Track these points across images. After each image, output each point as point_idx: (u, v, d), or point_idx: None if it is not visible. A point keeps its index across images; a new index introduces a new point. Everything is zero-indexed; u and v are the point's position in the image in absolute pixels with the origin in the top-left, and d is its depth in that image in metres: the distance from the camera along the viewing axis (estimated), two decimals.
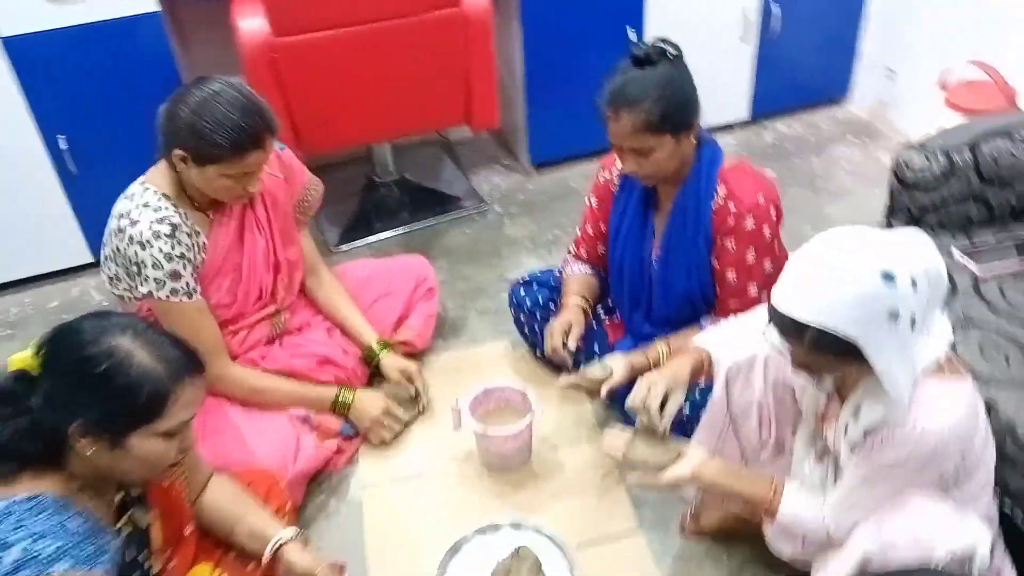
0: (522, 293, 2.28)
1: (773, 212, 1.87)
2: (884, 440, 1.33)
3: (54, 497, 1.13)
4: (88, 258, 2.76)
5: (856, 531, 1.40)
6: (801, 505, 1.50)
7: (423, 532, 1.91)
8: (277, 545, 1.50)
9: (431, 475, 2.05)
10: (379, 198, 3.12)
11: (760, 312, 1.72)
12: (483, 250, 2.85)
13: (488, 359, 2.39)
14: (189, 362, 1.21)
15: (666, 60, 1.75)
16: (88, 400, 1.13)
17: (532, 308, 2.25)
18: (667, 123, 1.74)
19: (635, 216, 2.01)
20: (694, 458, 1.56)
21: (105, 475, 1.21)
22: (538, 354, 2.33)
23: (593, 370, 1.92)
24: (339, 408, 2.08)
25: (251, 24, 2.42)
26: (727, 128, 3.42)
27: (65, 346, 1.16)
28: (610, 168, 2.07)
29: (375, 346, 2.18)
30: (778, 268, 1.90)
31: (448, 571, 1.81)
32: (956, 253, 1.92)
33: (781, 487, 1.52)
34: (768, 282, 1.92)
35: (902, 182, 1.99)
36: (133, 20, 2.45)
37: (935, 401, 1.30)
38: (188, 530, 1.41)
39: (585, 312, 2.10)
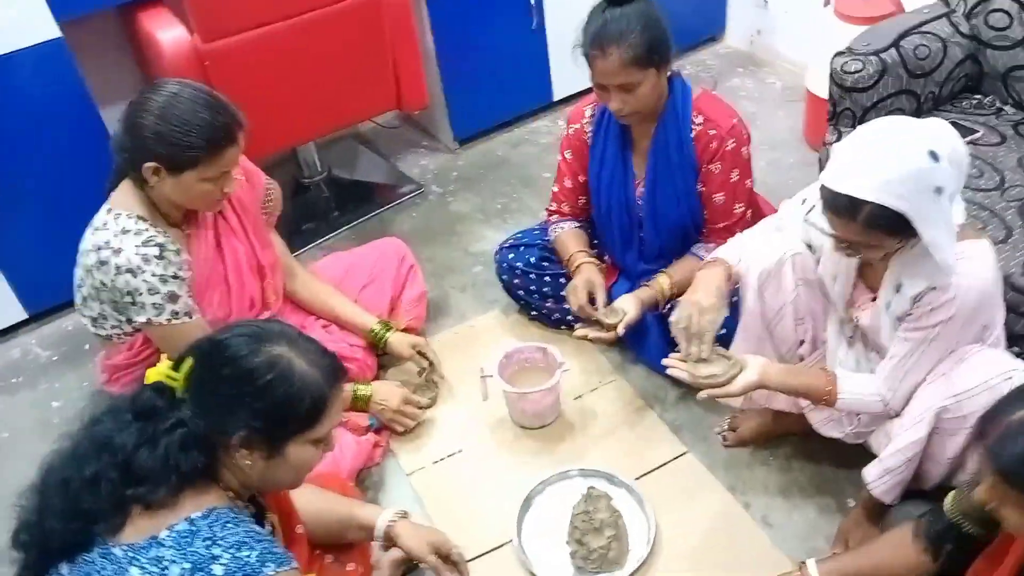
0: (511, 256, 2.31)
1: (745, 133, 2.00)
2: (932, 304, 1.48)
3: (227, 508, 1.09)
4: (22, 315, 2.54)
5: (920, 393, 1.55)
6: (858, 385, 1.63)
7: (486, 499, 1.93)
8: (386, 525, 1.53)
9: (470, 448, 2.07)
10: (312, 199, 3.04)
11: (764, 223, 1.85)
12: (437, 230, 2.85)
13: (484, 330, 2.41)
14: (337, 368, 1.20)
15: None
16: (251, 411, 1.10)
17: (525, 269, 2.29)
18: (653, 56, 1.83)
19: (615, 160, 2.08)
20: (756, 365, 1.66)
21: (254, 485, 1.17)
22: (531, 315, 2.38)
23: (607, 314, 1.99)
24: (359, 404, 2.05)
25: (171, 35, 2.30)
26: None
27: (221, 359, 1.12)
28: (579, 119, 2.13)
29: (377, 328, 2.15)
30: (752, 185, 2.05)
31: (525, 525, 1.84)
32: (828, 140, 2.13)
33: (834, 375, 1.65)
34: (750, 199, 2.06)
35: (842, 87, 2.17)
36: (36, 50, 2.26)
37: (968, 261, 1.46)
38: (300, 529, 1.38)
39: (599, 267, 2.16)
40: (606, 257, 2.27)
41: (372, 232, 2.85)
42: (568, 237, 2.21)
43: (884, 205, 1.34)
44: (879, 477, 1.61)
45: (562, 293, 2.24)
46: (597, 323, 1.99)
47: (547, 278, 2.29)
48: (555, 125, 3.33)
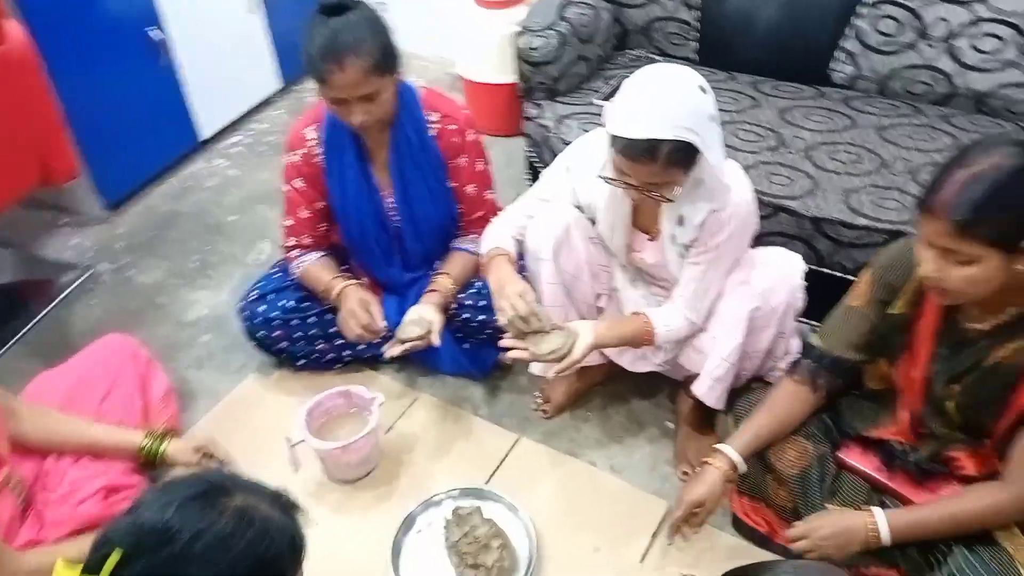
0: (262, 309, 2.08)
1: (474, 120, 2.03)
2: (715, 224, 1.67)
3: None
4: None
5: (727, 304, 1.73)
6: (666, 317, 1.78)
7: (351, 569, 1.73)
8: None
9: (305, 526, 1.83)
10: None
11: (522, 202, 1.90)
12: (133, 310, 2.44)
13: (252, 400, 2.14)
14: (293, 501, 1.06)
15: (353, 4, 1.75)
16: None
17: (284, 316, 2.08)
18: (389, 61, 1.77)
19: (357, 176, 1.98)
20: (586, 328, 1.72)
21: None
22: (298, 364, 2.17)
23: (409, 330, 1.90)
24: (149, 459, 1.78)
25: None
26: (268, 104, 3.37)
27: (175, 538, 0.91)
28: (302, 144, 1.98)
29: (147, 442, 1.79)
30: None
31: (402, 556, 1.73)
32: (599, 104, 2.33)
33: (647, 317, 1.78)
34: (492, 184, 2.11)
35: (531, 63, 2.31)
36: None
37: (733, 179, 1.67)
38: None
39: (363, 285, 2.04)
40: (363, 278, 2.16)
41: (51, 339, 2.35)
42: (317, 269, 2.05)
43: (680, 139, 1.47)
44: (709, 388, 1.78)
45: (332, 330, 2.09)
46: (405, 337, 1.89)
47: (312, 319, 2.10)
48: (211, 165, 3.05)
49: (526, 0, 2.87)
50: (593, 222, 1.84)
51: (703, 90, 1.51)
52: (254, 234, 2.72)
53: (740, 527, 1.80)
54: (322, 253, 2.09)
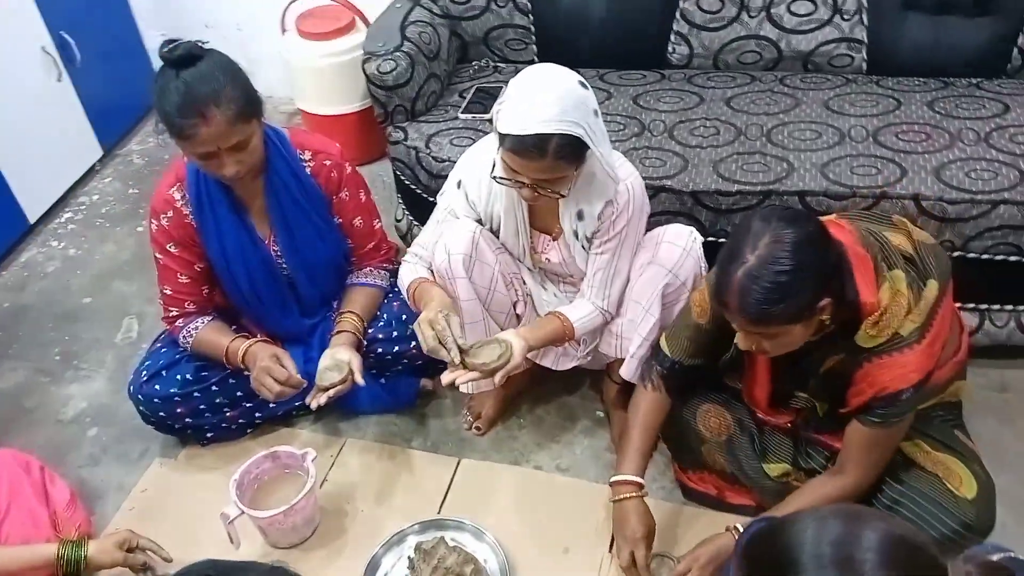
0: (157, 388, 1.93)
1: (343, 152, 1.99)
2: (612, 214, 1.72)
3: None
4: None
5: (637, 287, 1.79)
6: (580, 311, 1.81)
7: None
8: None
9: None
10: None
11: (423, 234, 1.88)
12: (2, 420, 2.19)
13: (165, 487, 1.98)
14: None
15: (202, 52, 1.66)
16: None
17: (183, 392, 1.94)
18: (253, 106, 1.70)
19: (235, 229, 1.88)
20: (514, 335, 1.73)
21: None
22: (206, 438, 2.04)
23: (329, 376, 1.83)
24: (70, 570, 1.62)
25: None
26: (92, 174, 3.12)
27: None
28: (169, 205, 1.86)
29: (65, 550, 1.63)
30: None
31: None
32: (464, 118, 2.35)
33: (562, 315, 1.80)
34: (377, 213, 2.06)
35: (385, 87, 2.28)
36: None
37: (622, 168, 1.73)
38: None
39: (267, 341, 1.95)
40: (258, 335, 2.04)
41: None
42: (210, 333, 1.93)
43: (566, 133, 1.51)
44: (635, 369, 1.83)
45: (238, 395, 1.99)
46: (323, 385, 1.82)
47: (214, 387, 1.97)
48: (47, 249, 2.80)
49: (351, 29, 2.84)
50: (496, 232, 1.84)
51: (584, 86, 1.56)
52: (116, 313, 2.52)
53: (690, 495, 1.87)
54: (210, 317, 1.97)
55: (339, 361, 1.84)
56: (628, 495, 1.63)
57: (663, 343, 1.70)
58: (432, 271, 1.83)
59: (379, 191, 2.73)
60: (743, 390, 1.70)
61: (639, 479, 1.65)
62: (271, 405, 2.03)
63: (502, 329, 1.90)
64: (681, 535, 1.78)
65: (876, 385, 1.40)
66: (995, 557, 0.96)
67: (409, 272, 1.83)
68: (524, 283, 1.91)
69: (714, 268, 1.40)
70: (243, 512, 1.72)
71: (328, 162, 1.90)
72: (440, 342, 1.64)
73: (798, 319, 1.32)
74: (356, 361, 1.85)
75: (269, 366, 1.81)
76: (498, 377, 1.69)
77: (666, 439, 1.80)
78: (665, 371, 1.69)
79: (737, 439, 1.72)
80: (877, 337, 1.38)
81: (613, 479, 1.66)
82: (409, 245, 2.36)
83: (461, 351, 1.65)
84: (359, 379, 1.83)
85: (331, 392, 1.82)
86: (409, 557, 1.72)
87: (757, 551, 0.96)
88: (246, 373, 1.91)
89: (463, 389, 1.96)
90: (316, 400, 1.82)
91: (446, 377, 1.69)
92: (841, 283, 1.36)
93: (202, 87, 1.61)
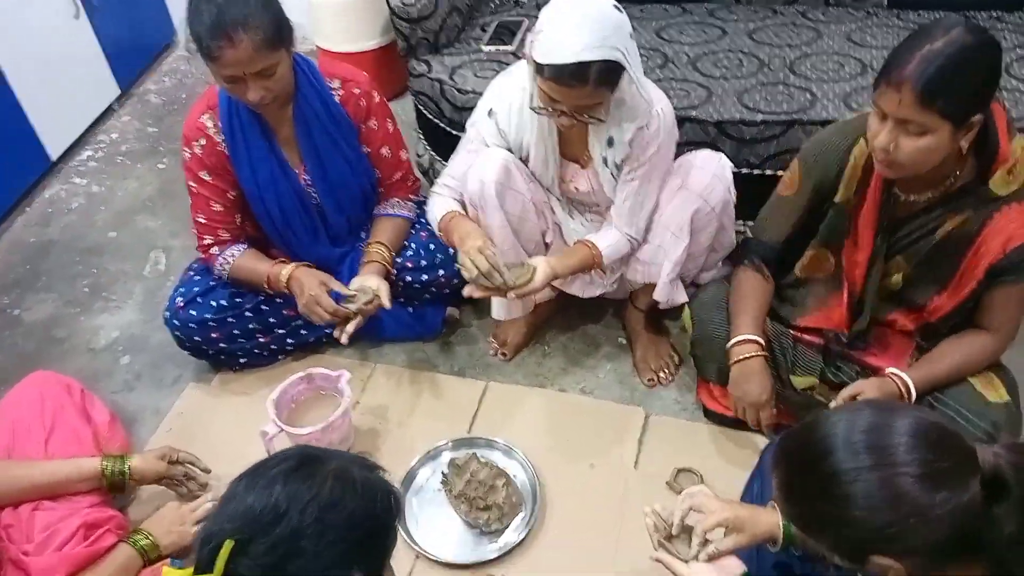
0: (193, 313, 1.97)
1: (372, 81, 2.00)
2: (643, 139, 1.74)
3: None
4: None
5: (667, 213, 1.82)
6: (608, 239, 1.85)
7: None
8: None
9: None
10: None
11: (452, 163, 1.91)
12: (32, 352, 2.22)
13: (201, 409, 2.04)
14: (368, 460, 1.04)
15: None
16: (357, 553, 0.93)
17: (218, 317, 1.98)
18: (282, 34, 1.71)
19: (266, 156, 1.90)
20: (541, 262, 1.77)
21: None
22: (239, 363, 2.09)
23: (357, 298, 1.88)
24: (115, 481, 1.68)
25: None
26: (110, 113, 3.13)
27: (283, 518, 0.89)
28: (201, 132, 1.88)
29: (109, 464, 1.67)
30: None
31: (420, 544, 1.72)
32: (487, 50, 2.35)
33: (591, 243, 1.84)
34: (404, 144, 2.09)
35: (410, 20, 2.29)
36: None
37: (652, 93, 1.75)
38: None
39: (308, 265, 1.98)
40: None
41: None
42: (249, 261, 1.97)
43: (608, 59, 1.53)
44: (667, 293, 1.87)
45: (272, 321, 2.03)
46: (345, 319, 1.87)
47: (248, 313, 2.02)
48: (70, 186, 2.82)
49: None
50: (525, 161, 1.87)
51: (618, 9, 1.57)
52: (142, 246, 2.55)
53: (711, 416, 1.92)
54: (245, 245, 2.00)
55: (365, 287, 1.89)
56: (751, 354, 1.65)
57: (755, 233, 1.74)
58: (462, 203, 1.86)
59: (402, 126, 2.74)
60: (844, 256, 1.66)
61: (760, 339, 1.66)
62: (303, 332, 2.08)
63: (531, 256, 1.93)
64: (704, 453, 1.84)
65: (1005, 235, 1.43)
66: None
67: (440, 204, 1.86)
68: (553, 212, 1.94)
69: (894, 50, 1.36)
70: (281, 430, 1.78)
71: (357, 90, 1.92)
72: (492, 268, 1.69)
73: (956, 115, 1.31)
74: (384, 288, 1.89)
75: (318, 295, 1.86)
76: (513, 294, 1.72)
77: (694, 348, 1.83)
78: (756, 256, 1.72)
79: (773, 349, 1.74)
80: (1012, 183, 1.41)
81: (733, 341, 1.68)
82: (431, 181, 2.42)
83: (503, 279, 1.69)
84: (386, 302, 1.87)
85: (359, 319, 1.87)
86: (443, 472, 1.78)
87: (792, 444, 1.01)
88: (280, 300, 1.96)
89: (493, 314, 2.00)
90: (344, 332, 1.87)
91: (467, 290, 1.74)
92: (990, 110, 1.37)
93: (233, 10, 1.62)
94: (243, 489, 0.91)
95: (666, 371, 2.02)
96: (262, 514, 0.88)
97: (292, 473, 0.92)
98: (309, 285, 1.88)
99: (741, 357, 1.66)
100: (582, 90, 1.56)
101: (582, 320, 2.17)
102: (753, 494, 1.59)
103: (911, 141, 1.34)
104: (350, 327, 1.87)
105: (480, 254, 1.69)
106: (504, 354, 2.10)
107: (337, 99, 1.90)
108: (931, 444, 0.91)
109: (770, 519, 1.31)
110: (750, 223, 1.85)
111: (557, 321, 2.17)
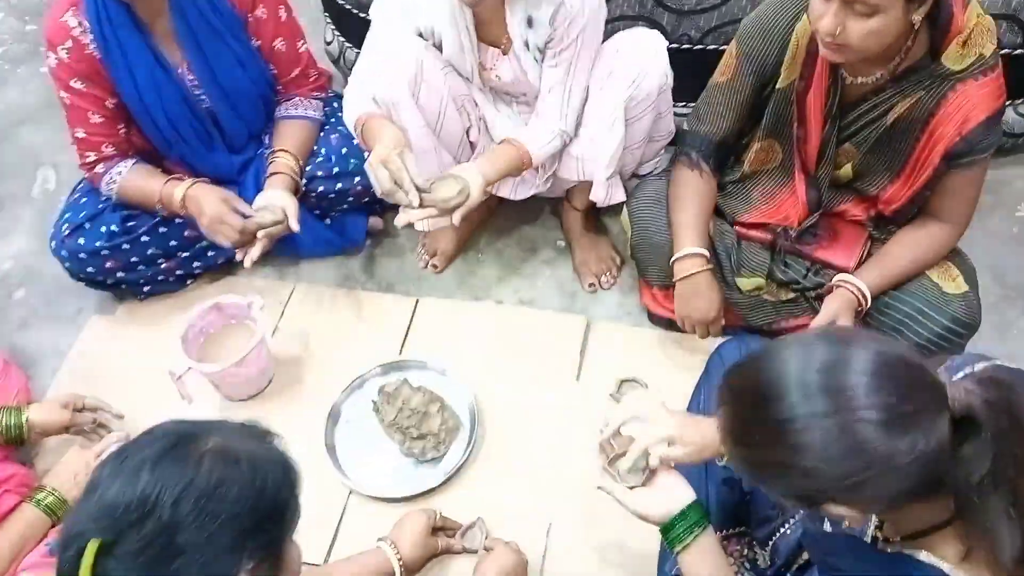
0: (81, 243, 1.77)
1: None
2: (566, 16, 1.54)
3: None
4: None
5: (598, 102, 1.64)
6: (538, 135, 1.67)
7: None
8: None
9: None
10: None
11: (362, 58, 1.68)
12: None
13: (104, 340, 1.88)
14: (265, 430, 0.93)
15: None
16: (244, 531, 0.81)
17: (111, 244, 1.77)
18: None
19: (142, 56, 1.66)
20: (471, 169, 1.59)
21: None
22: (143, 292, 1.90)
23: (262, 216, 1.69)
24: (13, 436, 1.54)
25: None
26: None
27: (160, 505, 0.77)
28: (66, 35, 1.62)
29: (4, 418, 1.53)
30: None
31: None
32: None
33: (518, 141, 1.65)
34: (302, 34, 1.84)
35: None
36: None
37: None
38: None
39: (206, 181, 1.78)
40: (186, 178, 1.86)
41: None
42: (139, 177, 1.76)
43: None
44: (606, 192, 1.72)
45: (172, 244, 1.84)
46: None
47: (144, 238, 1.81)
48: None
49: None
50: (439, 48, 1.66)
51: None
52: (28, 163, 2.30)
53: (656, 320, 1.81)
54: (133, 160, 1.78)
55: (271, 204, 1.70)
56: (697, 270, 1.54)
57: (692, 125, 1.59)
58: (377, 101, 1.64)
59: (304, 13, 2.46)
60: (796, 143, 1.52)
61: (705, 251, 1.55)
62: (210, 253, 1.90)
63: (455, 159, 1.76)
64: (649, 360, 1.74)
65: (960, 115, 1.32)
66: (980, 366, 0.91)
67: (354, 106, 1.63)
68: (476, 106, 1.74)
69: None
70: (191, 368, 1.63)
71: None
72: (396, 183, 1.48)
73: None
74: (292, 206, 1.71)
75: (222, 212, 1.66)
76: (456, 216, 1.56)
77: (635, 252, 1.70)
78: (695, 152, 1.58)
79: (717, 249, 1.63)
80: (966, 56, 1.30)
81: (676, 256, 1.56)
82: (343, 71, 2.18)
83: (419, 191, 1.49)
84: (293, 224, 1.69)
85: (265, 241, 1.69)
86: (372, 401, 1.66)
87: (739, 383, 0.89)
88: (180, 220, 1.76)
89: (419, 227, 1.83)
90: (248, 257, 1.69)
91: (400, 219, 1.55)
92: None
93: None
94: (106, 478, 0.79)
95: (608, 274, 1.90)
96: (128, 509, 0.76)
97: (162, 457, 0.79)
98: (208, 203, 1.68)
99: (687, 274, 1.55)
100: None
101: (518, 222, 2.02)
102: (700, 402, 1.50)
103: (860, 23, 1.19)
104: (255, 251, 1.70)
105: (383, 166, 1.47)
106: (435, 265, 1.95)
107: None
108: (894, 383, 0.79)
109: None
110: (692, 105, 1.68)
111: (491, 225, 2.01)
